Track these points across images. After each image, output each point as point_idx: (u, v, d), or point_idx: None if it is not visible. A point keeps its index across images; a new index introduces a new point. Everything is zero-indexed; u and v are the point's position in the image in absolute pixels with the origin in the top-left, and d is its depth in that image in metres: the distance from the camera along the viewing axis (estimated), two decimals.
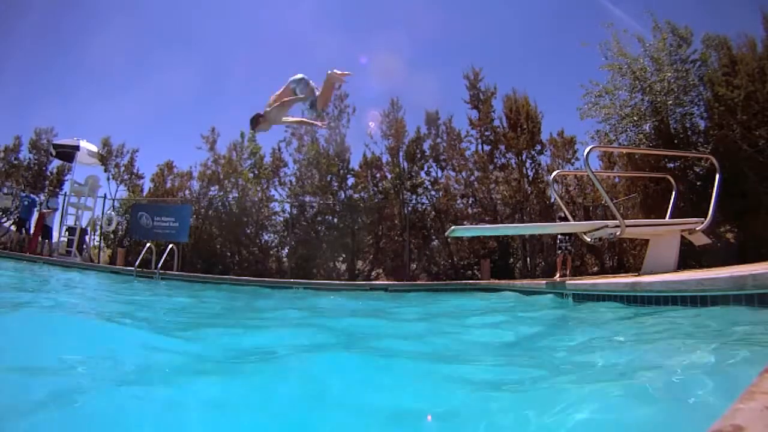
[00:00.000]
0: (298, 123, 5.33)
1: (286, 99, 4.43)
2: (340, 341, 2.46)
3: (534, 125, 11.69)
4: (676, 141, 8.39)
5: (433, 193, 12.08)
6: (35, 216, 10.53)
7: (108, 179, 12.68)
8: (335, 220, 11.93)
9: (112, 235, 12.13)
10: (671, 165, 8.52)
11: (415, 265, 11.59)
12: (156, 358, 1.71)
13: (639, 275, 4.61)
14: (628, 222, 4.92)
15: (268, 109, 4.44)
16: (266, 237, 12.32)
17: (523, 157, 11.77)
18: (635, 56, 8.61)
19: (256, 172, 12.18)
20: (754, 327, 1.89)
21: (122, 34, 19.53)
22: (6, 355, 1.47)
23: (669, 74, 8.11)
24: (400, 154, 12.08)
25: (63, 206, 11.00)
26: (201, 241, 11.80)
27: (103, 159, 12.33)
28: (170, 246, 8.98)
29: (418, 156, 12.05)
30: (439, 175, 12.25)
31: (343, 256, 11.83)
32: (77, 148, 10.93)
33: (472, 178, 11.96)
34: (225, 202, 12.18)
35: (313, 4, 20.67)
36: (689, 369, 1.30)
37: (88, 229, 11.30)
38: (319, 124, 5.01)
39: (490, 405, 1.16)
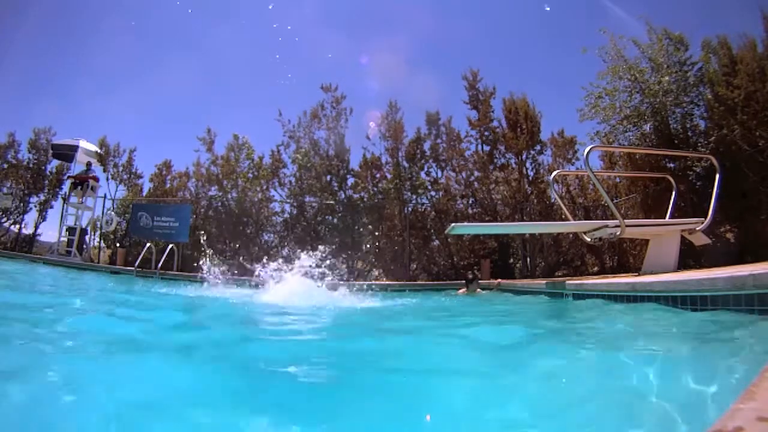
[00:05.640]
0: None
1: None
2: None
3: (533, 125, 11.68)
4: (676, 141, 8.38)
5: (433, 193, 12.07)
6: None
7: (107, 179, 12.67)
8: (335, 220, 11.92)
9: (112, 235, 12.13)
10: (671, 165, 8.51)
11: (415, 265, 11.59)
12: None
13: (639, 275, 4.61)
14: (628, 222, 4.92)
15: None
16: (266, 237, 12.31)
17: (523, 157, 11.75)
18: (633, 58, 8.61)
19: (256, 173, 12.17)
20: (752, 327, 1.88)
21: (121, 33, 19.53)
22: None
23: (667, 77, 8.11)
24: (400, 154, 12.06)
25: (62, 206, 11.00)
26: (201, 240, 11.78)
27: (102, 158, 12.31)
28: (170, 246, 8.98)
29: (418, 156, 12.03)
30: (439, 175, 12.25)
31: (343, 256, 11.82)
32: (76, 148, 10.92)
33: (472, 178, 11.95)
34: (225, 203, 12.17)
35: (314, 4, 20.65)
36: (682, 371, 1.30)
37: (88, 229, 11.30)
38: None
39: None
